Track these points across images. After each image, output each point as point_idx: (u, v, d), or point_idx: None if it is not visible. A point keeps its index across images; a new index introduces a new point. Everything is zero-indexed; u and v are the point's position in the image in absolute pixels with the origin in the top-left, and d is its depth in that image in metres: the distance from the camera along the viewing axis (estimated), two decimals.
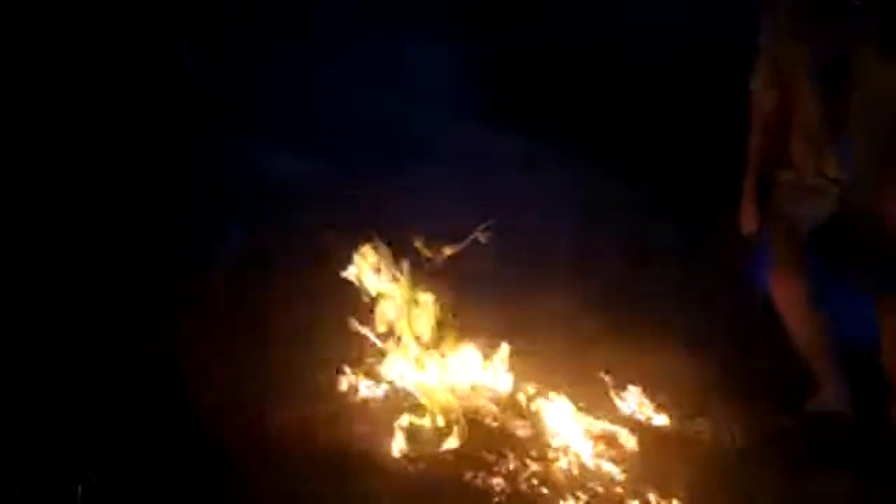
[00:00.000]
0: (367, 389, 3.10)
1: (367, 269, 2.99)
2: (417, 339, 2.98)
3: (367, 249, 2.99)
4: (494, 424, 2.91)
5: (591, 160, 3.91)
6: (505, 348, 3.11)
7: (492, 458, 2.83)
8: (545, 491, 2.76)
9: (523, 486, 2.76)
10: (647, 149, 3.89)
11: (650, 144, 3.92)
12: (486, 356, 3.10)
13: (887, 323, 2.80)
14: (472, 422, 2.91)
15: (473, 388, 2.99)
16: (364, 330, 3.06)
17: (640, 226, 3.77)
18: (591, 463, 2.85)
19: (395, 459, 2.87)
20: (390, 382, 3.06)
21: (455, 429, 2.90)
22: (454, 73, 3.98)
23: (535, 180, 3.85)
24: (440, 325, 2.99)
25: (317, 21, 4.19)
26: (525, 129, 4.00)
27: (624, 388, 3.15)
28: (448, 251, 3.16)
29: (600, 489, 2.77)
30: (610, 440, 2.93)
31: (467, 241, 3.10)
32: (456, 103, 3.84)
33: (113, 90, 4.15)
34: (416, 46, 4.09)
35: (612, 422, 3.01)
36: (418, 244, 3.02)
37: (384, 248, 2.98)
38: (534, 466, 2.82)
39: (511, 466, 2.81)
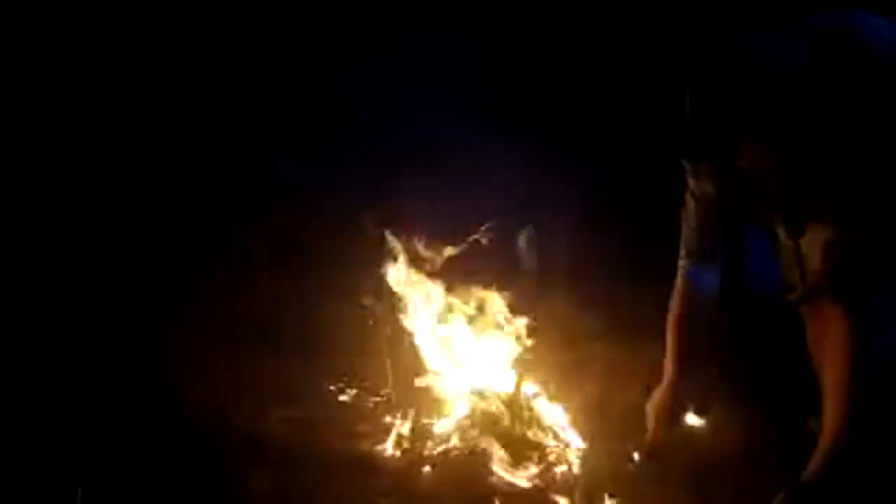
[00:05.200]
0: (366, 390, 3.12)
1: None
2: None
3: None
4: (495, 424, 2.92)
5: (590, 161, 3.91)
6: (505, 347, 3.12)
7: (492, 458, 2.84)
8: (545, 491, 2.76)
9: (524, 486, 2.77)
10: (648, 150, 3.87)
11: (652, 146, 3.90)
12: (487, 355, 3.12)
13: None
14: (474, 421, 2.93)
15: (474, 388, 3.00)
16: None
17: (640, 226, 3.77)
18: (591, 462, 2.86)
19: (395, 459, 2.88)
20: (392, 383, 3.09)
21: (457, 428, 2.91)
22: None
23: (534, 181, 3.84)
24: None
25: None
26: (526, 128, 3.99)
27: (624, 388, 3.16)
28: (449, 251, 3.17)
29: (601, 488, 2.77)
30: (610, 439, 2.93)
31: (468, 242, 3.11)
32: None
33: (111, 86, 4.14)
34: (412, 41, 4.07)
35: (612, 420, 3.01)
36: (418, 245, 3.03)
37: None
38: (534, 466, 2.82)
39: (511, 466, 2.81)
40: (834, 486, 2.55)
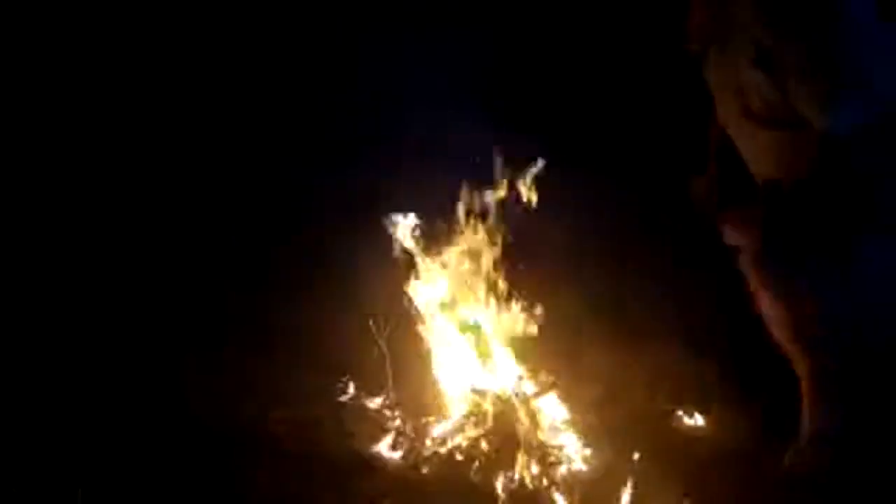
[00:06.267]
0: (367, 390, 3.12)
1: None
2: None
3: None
4: (495, 424, 2.92)
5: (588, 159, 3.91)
6: (505, 348, 3.12)
7: (492, 458, 2.84)
8: (545, 491, 2.76)
9: (523, 486, 2.77)
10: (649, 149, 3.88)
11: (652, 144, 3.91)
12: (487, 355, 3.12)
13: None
14: (474, 421, 2.93)
15: (474, 388, 3.00)
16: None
17: (639, 225, 3.77)
18: (591, 462, 2.86)
19: (395, 459, 2.88)
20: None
21: (457, 428, 2.92)
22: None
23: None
24: None
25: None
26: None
27: (625, 388, 3.16)
28: (448, 249, 3.17)
29: (601, 488, 2.77)
30: (610, 439, 2.93)
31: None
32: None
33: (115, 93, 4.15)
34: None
35: (612, 421, 3.02)
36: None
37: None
38: (534, 466, 2.82)
39: (511, 466, 2.81)
40: (828, 474, 2.56)
